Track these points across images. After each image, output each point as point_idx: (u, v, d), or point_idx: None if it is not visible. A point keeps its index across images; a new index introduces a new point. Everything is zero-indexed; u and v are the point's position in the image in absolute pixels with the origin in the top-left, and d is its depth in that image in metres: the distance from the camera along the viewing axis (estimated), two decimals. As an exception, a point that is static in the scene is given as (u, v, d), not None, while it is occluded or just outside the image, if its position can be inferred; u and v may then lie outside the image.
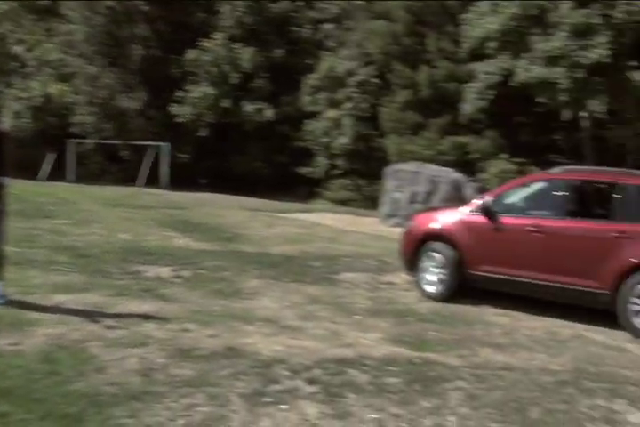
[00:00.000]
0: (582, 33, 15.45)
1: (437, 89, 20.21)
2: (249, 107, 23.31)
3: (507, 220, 7.48)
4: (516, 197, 7.70)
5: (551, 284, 7.12)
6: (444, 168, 16.88)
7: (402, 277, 8.96)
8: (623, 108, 16.81)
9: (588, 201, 7.55)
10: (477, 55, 18.74)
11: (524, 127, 21.01)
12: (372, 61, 21.86)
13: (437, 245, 7.91)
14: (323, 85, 22.49)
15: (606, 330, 6.91)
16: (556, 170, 7.68)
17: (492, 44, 17.28)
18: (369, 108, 21.96)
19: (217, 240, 11.69)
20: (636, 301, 6.65)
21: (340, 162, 22.90)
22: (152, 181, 24.45)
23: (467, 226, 7.73)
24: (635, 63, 15.86)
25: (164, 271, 8.48)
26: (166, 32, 24.65)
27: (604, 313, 7.07)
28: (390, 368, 5.03)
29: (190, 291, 7.55)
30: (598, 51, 15.16)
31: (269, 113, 23.22)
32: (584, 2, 15.72)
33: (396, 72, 20.83)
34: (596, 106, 15.98)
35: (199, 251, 10.25)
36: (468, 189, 15.86)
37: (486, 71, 17.85)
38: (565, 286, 7.05)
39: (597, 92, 15.94)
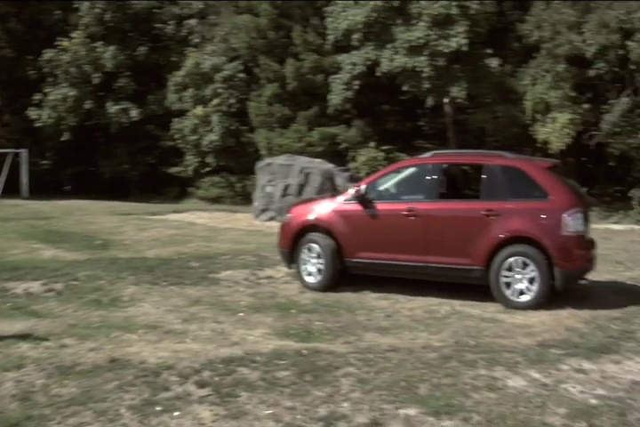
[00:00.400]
0: (441, 23, 16.21)
1: (304, 81, 20.45)
2: (113, 108, 22.43)
3: (381, 206, 7.72)
4: (389, 183, 7.95)
5: (428, 264, 7.45)
6: (315, 159, 17.12)
7: (282, 271, 9.03)
8: (481, 93, 17.81)
9: (458, 183, 7.95)
10: (342, 47, 19.16)
11: (390, 115, 21.77)
12: (239, 56, 21.75)
13: (315, 235, 8.02)
14: (189, 82, 22.06)
15: (480, 304, 7.32)
16: (425, 155, 8.01)
17: (357, 36, 17.74)
18: (237, 104, 21.84)
19: (88, 249, 11.20)
20: (507, 273, 7.10)
21: (210, 159, 22.62)
22: (11, 190, 22.97)
23: (342, 215, 7.90)
24: (490, 51, 16.84)
25: (34, 286, 8.04)
26: (19, 31, 23.14)
27: (476, 288, 7.50)
28: (280, 362, 5.05)
29: (64, 304, 7.20)
30: (457, 40, 15.98)
31: (135, 113, 22.50)
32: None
33: (262, 66, 20.85)
34: (457, 92, 16.83)
35: (70, 261, 9.77)
36: (340, 178, 16.17)
37: (352, 62, 18.30)
38: (442, 266, 7.40)
39: (457, 78, 16.80)
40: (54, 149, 23.81)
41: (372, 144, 20.05)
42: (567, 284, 7.18)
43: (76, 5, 23.42)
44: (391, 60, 17.20)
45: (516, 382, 4.75)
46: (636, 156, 16.02)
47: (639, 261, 10.24)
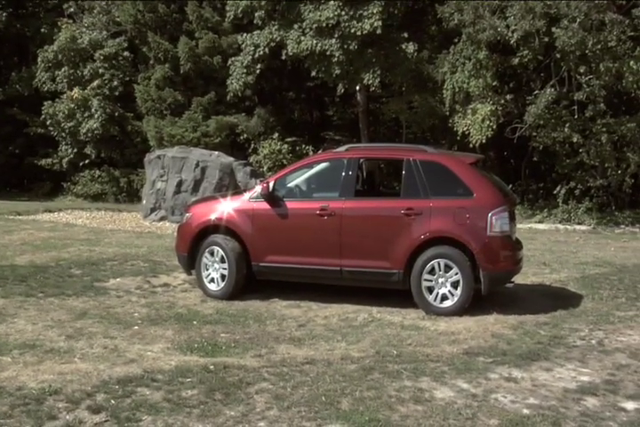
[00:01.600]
0: (354, 3, 16.54)
1: (200, 63, 20.33)
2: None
3: (292, 204, 7.84)
4: (300, 179, 8.08)
5: (343, 268, 7.64)
6: (212, 152, 17.05)
7: (179, 278, 9.03)
8: (396, 80, 18.31)
9: (375, 179, 8.18)
10: (244, 26, 19.16)
11: (295, 103, 22.01)
12: (123, 31, 21.31)
13: (218, 237, 8.04)
14: (63, 59, 21.36)
15: (400, 310, 7.61)
16: (340, 148, 8.19)
17: (260, 14, 17.81)
18: (121, 87, 21.41)
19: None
20: (428, 277, 7.40)
21: (89, 150, 22.04)
22: None
23: (248, 214, 7.97)
24: (406, 35, 17.35)
25: None
26: None
27: (395, 294, 7.77)
28: (185, 380, 5.08)
29: None
30: (370, 21, 16.36)
31: (-4, 94, 21.59)
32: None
33: (151, 44, 20.51)
34: (370, 79, 17.24)
35: None
36: (241, 173, 16.21)
37: (254, 43, 18.35)
38: (358, 269, 7.62)
39: (371, 64, 17.20)
40: None
41: (276, 135, 20.23)
42: (493, 287, 7.57)
43: None
44: (298, 42, 17.42)
45: (443, 394, 4.99)
46: (561, 150, 16.95)
47: (565, 262, 10.88)
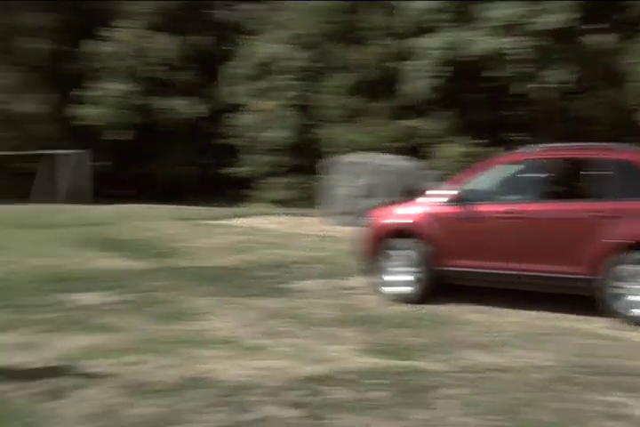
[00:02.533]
0: (537, -2, 16.05)
1: (379, 70, 20.56)
2: (167, 103, 23.13)
3: (478, 208, 7.73)
4: (486, 182, 7.96)
5: (528, 273, 7.42)
6: (391, 156, 17.17)
7: (362, 281, 9.16)
8: (586, 76, 17.45)
9: (569, 181, 7.89)
10: (423, 30, 19.14)
11: (474, 106, 21.56)
12: (304, 44, 22.05)
13: (404, 241, 8.09)
14: (249, 74, 22.50)
15: (587, 318, 7.28)
16: (530, 149, 7.96)
17: (436, 17, 17.71)
18: (303, 97, 22.15)
19: (150, 257, 11.62)
20: (622, 284, 6.99)
21: (273, 158, 23.00)
22: (51, 195, 24.01)
23: (435, 218, 7.96)
24: (594, 26, 16.48)
25: (95, 298, 8.41)
26: (71, 22, 24.16)
27: (584, 301, 7.42)
28: (373, 381, 5.16)
29: (130, 318, 7.50)
30: (557, 15, 15.70)
31: (192, 109, 23.13)
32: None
33: (331, 54, 21.07)
34: (560, 75, 16.54)
35: (131, 271, 10.18)
36: (422, 177, 16.18)
37: (431, 47, 18.27)
38: (543, 275, 7.37)
39: (559, 60, 16.52)
40: (109, 150, 24.67)
41: (456, 138, 19.99)
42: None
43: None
44: (479, 42, 17.09)
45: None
46: None
47: None
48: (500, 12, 16.56)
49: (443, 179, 16.91)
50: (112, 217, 18.50)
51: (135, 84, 23.44)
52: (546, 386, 5.12)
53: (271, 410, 4.65)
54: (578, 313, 7.40)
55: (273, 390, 5.03)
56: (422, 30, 19.05)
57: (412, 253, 8.01)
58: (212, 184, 24.58)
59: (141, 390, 5.06)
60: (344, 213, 16.80)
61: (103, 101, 23.41)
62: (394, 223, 8.25)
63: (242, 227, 16.53)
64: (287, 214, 19.91)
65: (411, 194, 13.54)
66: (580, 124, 19.52)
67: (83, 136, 24.57)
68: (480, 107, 20.99)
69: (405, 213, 8.29)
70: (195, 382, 5.20)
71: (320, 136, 22.14)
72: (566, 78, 16.82)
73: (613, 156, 7.31)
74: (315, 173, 22.19)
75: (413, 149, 20.86)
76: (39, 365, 5.68)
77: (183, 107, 23.46)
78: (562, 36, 16.53)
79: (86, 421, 4.51)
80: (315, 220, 18.11)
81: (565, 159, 8.02)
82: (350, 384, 5.11)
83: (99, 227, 16.23)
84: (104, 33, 23.38)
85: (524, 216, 7.39)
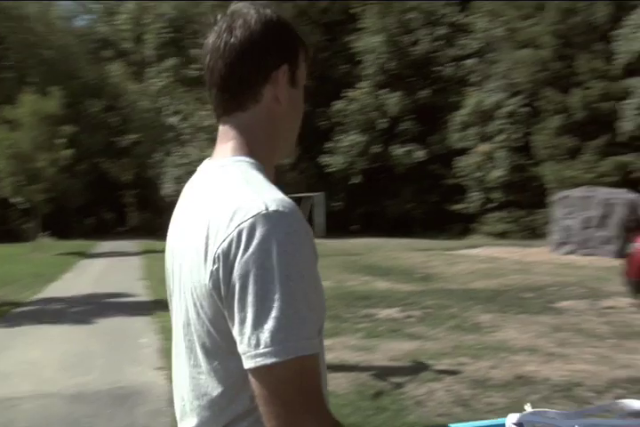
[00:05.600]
0: None
1: (591, 110, 20.27)
2: (398, 150, 24.29)
3: None
4: None
5: None
6: (615, 190, 16.82)
7: (623, 301, 9.19)
8: None
9: None
10: (632, 70, 18.68)
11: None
12: (520, 91, 22.29)
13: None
14: (471, 121, 23.12)
15: None
16: None
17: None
18: (521, 138, 22.29)
19: (414, 281, 12.40)
20: None
21: (494, 195, 23.25)
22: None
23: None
24: None
25: (393, 313, 9.22)
26: (311, 86, 26.31)
27: None
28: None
29: (432, 328, 8.18)
30: None
31: (419, 154, 24.13)
32: None
33: (546, 98, 21.12)
34: None
35: (408, 292, 10.96)
36: (646, 208, 15.67)
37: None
38: None
39: None
40: (344, 192, 26.27)
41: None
42: None
43: (359, 58, 25.99)
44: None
45: None
46: None
47: None
48: None
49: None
50: (357, 249, 19.72)
51: (368, 135, 24.84)
52: None
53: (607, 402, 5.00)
54: None
55: (598, 387, 5.38)
56: (633, 71, 18.58)
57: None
58: (439, 220, 25.21)
59: (483, 384, 5.63)
60: (571, 243, 16.66)
61: (341, 151, 25.04)
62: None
63: (480, 256, 16.94)
64: (511, 245, 20.00)
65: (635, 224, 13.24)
66: None
67: (324, 181, 26.34)
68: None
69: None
70: (525, 380, 5.66)
71: (537, 173, 22.07)
72: None
73: None
74: (533, 208, 22.12)
75: (627, 182, 20.16)
76: (382, 363, 6.46)
77: (410, 152, 24.43)
78: None
79: (447, 407, 5.15)
80: (541, 250, 18.05)
81: None
82: None
83: (352, 256, 17.41)
84: (342, 94, 25.15)
85: None
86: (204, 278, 1.14)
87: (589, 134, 20.78)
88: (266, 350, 1.06)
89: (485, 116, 22.71)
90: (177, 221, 1.34)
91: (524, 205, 22.94)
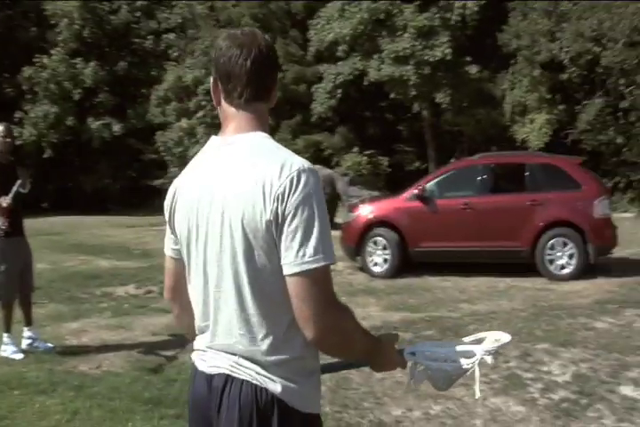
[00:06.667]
0: (425, 34, 18.18)
1: (287, 92, 22.08)
2: (95, 123, 23.49)
3: (440, 202, 9.46)
4: (445, 182, 9.68)
5: (483, 248, 9.23)
6: (315, 166, 18.79)
7: (341, 265, 10.53)
8: (462, 97, 19.91)
9: (504, 179, 9.78)
10: (324, 57, 20.87)
11: (371, 121, 23.68)
12: (219, 68, 23.12)
13: (381, 230, 9.67)
14: (171, 96, 23.36)
15: (527, 279, 9.14)
16: (475, 157, 9.82)
17: (343, 47, 19.51)
18: (215, 115, 23.22)
19: (135, 257, 12.53)
20: (550, 252, 8.96)
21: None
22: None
23: (406, 211, 9.59)
24: (470, 59, 18.96)
25: (130, 289, 9.34)
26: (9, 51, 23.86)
27: (519, 267, 9.30)
28: (419, 326, 6.67)
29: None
30: (441, 49, 17.98)
31: (117, 128, 23.61)
32: (424, 6, 18.49)
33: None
34: (441, 98, 18.85)
35: (135, 268, 11.03)
36: (340, 182, 17.83)
37: (338, 72, 20.07)
38: (494, 249, 9.20)
39: (441, 85, 18.80)
40: (34, 167, 24.54)
41: (356, 149, 21.87)
42: (598, 257, 9.10)
43: (52, 22, 24.34)
44: (379, 69, 19.06)
45: (601, 325, 6.53)
46: (606, 151, 18.38)
47: (630, 241, 12.20)
48: (396, 46, 18.61)
49: (355, 183, 18.77)
50: (55, 228, 18.75)
51: (61, 106, 23.56)
52: (534, 318, 6.85)
53: None
54: (518, 276, 9.27)
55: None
56: (326, 59, 20.84)
57: (385, 239, 9.58)
58: (137, 196, 25.07)
59: None
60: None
61: (31, 122, 23.37)
62: (373, 216, 9.79)
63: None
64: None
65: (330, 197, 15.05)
66: (460, 137, 22.04)
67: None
68: (374, 122, 23.11)
69: (380, 207, 9.87)
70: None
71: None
72: (447, 100, 19.16)
73: (541, 160, 9.29)
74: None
75: (319, 159, 22.57)
76: (146, 339, 6.68)
77: (107, 126, 23.84)
78: (444, 65, 18.83)
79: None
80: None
81: (502, 163, 9.92)
82: (410, 329, 6.58)
83: (56, 236, 16.59)
84: (33, 59, 23.36)
85: (479, 206, 9.20)
86: (265, 215, 1.62)
87: (284, 114, 22.64)
88: (310, 259, 1.60)
89: (185, 91, 23.19)
90: (200, 183, 1.76)
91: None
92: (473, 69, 18.76)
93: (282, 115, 22.90)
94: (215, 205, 1.70)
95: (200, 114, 23.08)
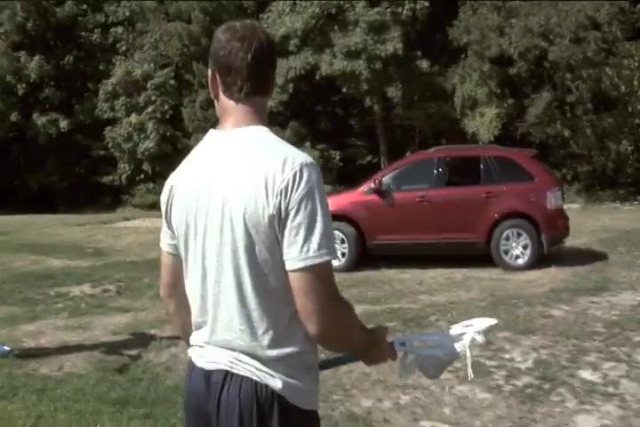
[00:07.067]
0: (377, 29, 18.31)
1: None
2: (40, 119, 22.92)
3: (396, 195, 9.58)
4: (401, 175, 9.81)
5: (439, 241, 9.40)
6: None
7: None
8: (413, 92, 20.14)
9: (459, 172, 9.96)
10: (276, 51, 20.74)
11: (322, 115, 23.76)
12: (169, 63, 22.90)
13: (338, 224, 9.72)
14: (120, 91, 22.97)
15: (483, 269, 9.35)
16: (430, 150, 9.96)
17: (295, 41, 19.50)
18: (171, 110, 23.00)
19: (88, 256, 12.31)
20: (505, 243, 9.18)
21: (145, 166, 23.62)
22: None
23: (362, 205, 9.68)
24: (420, 53, 19.19)
25: (86, 289, 9.16)
26: None
27: (475, 259, 9.51)
28: (382, 317, 6.78)
29: (135, 300, 8.47)
30: (393, 44, 18.13)
31: (64, 123, 23.09)
32: (375, 1, 18.62)
33: (195, 72, 22.15)
34: (392, 92, 19.03)
35: (89, 267, 10.88)
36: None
37: (289, 66, 20.04)
38: (450, 241, 9.37)
39: (392, 79, 18.97)
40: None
41: (307, 144, 21.90)
42: (551, 247, 9.37)
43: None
44: (331, 64, 19.13)
45: (557, 312, 6.76)
46: (553, 143, 18.89)
47: (580, 231, 12.52)
48: (348, 40, 18.70)
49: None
50: (5, 226, 18.30)
51: (4, 102, 22.92)
52: (493, 307, 7.04)
53: None
54: (474, 267, 9.48)
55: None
56: (283, 53, 20.77)
57: (343, 233, 9.64)
58: (86, 193, 24.61)
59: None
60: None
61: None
62: (331, 210, 9.82)
63: (144, 227, 17.22)
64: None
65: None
66: (411, 131, 22.31)
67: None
68: (326, 116, 23.20)
69: (336, 201, 9.89)
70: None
71: (187, 145, 23.07)
72: (398, 95, 19.37)
73: (495, 153, 9.50)
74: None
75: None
76: (107, 338, 6.58)
77: (54, 122, 23.30)
78: (395, 60, 19.01)
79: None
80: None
81: (457, 156, 10.10)
82: (371, 321, 6.68)
83: (4, 236, 16.16)
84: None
85: (435, 199, 9.36)
86: (268, 210, 1.62)
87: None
88: (314, 254, 1.61)
89: (135, 86, 22.82)
90: (199, 177, 1.76)
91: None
92: (424, 64, 19.00)
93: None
94: (215, 200, 1.70)
95: (150, 109, 22.77)
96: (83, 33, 24.45)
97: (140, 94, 22.89)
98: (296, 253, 1.61)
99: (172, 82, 23.18)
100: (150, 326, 6.98)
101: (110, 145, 23.29)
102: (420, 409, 4.46)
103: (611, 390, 4.63)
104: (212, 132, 1.82)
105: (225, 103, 1.77)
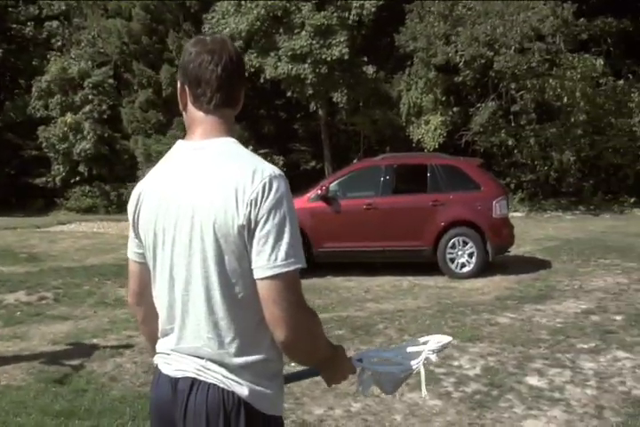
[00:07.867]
0: (323, 33, 18.51)
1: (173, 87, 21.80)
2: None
3: (343, 202, 9.74)
4: (347, 182, 9.96)
5: (386, 248, 9.59)
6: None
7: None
8: (358, 97, 20.42)
9: (406, 179, 10.17)
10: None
11: (266, 119, 23.80)
12: (108, 61, 22.55)
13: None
14: (54, 88, 22.46)
15: (429, 277, 9.61)
16: (377, 158, 10.16)
17: (239, 43, 19.49)
18: (109, 110, 22.63)
19: (22, 262, 11.99)
20: (450, 251, 9.45)
21: (81, 168, 23.14)
22: None
23: (308, 212, 9.77)
24: (366, 59, 19.48)
25: (21, 297, 8.94)
26: None
27: (421, 266, 9.75)
28: (328, 326, 6.88)
29: (75, 308, 8.37)
30: (339, 49, 18.36)
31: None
32: (322, 4, 18.81)
33: (135, 71, 21.89)
34: (338, 97, 19.26)
35: (23, 273, 10.59)
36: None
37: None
38: (396, 249, 9.58)
39: (338, 84, 19.21)
40: None
41: (250, 148, 21.79)
42: (496, 256, 9.68)
43: None
44: (275, 67, 19.23)
45: (503, 320, 7.01)
46: (498, 152, 19.47)
47: (523, 239, 12.96)
48: (294, 43, 18.83)
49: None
50: None
51: None
52: (440, 315, 7.24)
53: None
54: (420, 275, 9.71)
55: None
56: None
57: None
58: (18, 193, 23.94)
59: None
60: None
61: None
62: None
63: (77, 232, 16.94)
64: (103, 220, 20.32)
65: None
66: (356, 137, 22.59)
67: None
68: (270, 120, 23.26)
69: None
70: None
71: (126, 147, 22.78)
72: (344, 100, 19.61)
73: (442, 162, 9.76)
74: (122, 182, 22.76)
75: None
76: (46, 348, 6.47)
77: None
78: (341, 65, 19.26)
79: (143, 377, 5.64)
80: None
81: (404, 164, 10.33)
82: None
83: None
84: None
85: (382, 207, 9.55)
86: (237, 220, 1.69)
87: (176, 111, 22.02)
88: (282, 263, 1.69)
89: (71, 84, 22.35)
90: (168, 187, 1.82)
91: (111, 179, 23.43)
92: (369, 70, 19.29)
93: (174, 111, 22.57)
94: (184, 210, 1.75)
95: (87, 109, 22.35)
96: (14, 25, 23.75)
97: (77, 93, 22.43)
98: (264, 262, 1.68)
99: (110, 81, 22.80)
100: (92, 334, 6.91)
101: (44, 145, 22.71)
102: (371, 417, 4.59)
103: (557, 395, 4.86)
104: (179, 142, 1.90)
105: (193, 114, 1.86)
